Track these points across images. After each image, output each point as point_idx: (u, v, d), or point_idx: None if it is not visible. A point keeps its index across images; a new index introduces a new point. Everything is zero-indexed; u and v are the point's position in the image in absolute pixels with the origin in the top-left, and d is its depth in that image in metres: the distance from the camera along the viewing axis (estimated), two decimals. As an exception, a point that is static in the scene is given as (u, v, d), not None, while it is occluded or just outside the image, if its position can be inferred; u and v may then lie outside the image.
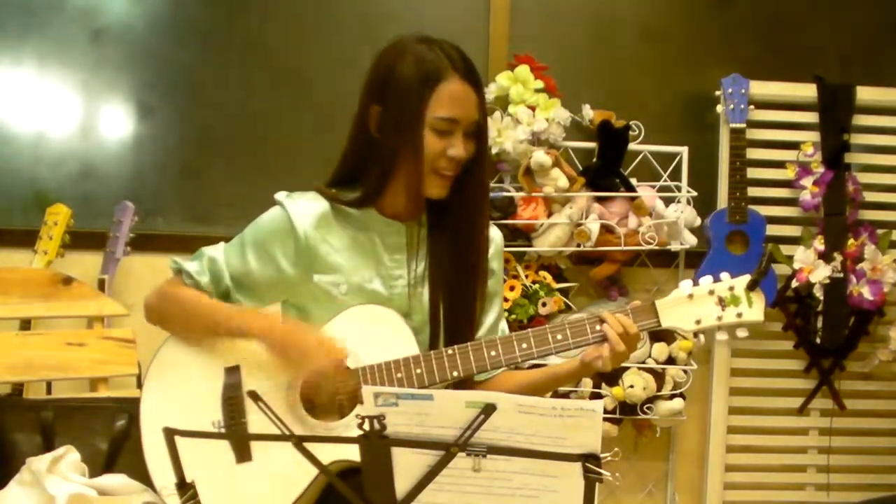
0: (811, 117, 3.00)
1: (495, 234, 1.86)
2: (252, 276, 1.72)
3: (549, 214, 2.82)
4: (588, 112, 2.91)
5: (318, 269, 1.71)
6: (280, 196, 1.75)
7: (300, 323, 1.71)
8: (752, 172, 2.94)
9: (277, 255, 1.71)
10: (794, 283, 2.92)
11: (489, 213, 1.79)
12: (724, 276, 1.68)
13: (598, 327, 1.65)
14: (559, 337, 1.65)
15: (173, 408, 1.66)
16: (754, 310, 1.66)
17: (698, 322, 1.66)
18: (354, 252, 1.73)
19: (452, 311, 1.74)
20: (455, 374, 1.64)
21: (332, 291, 1.71)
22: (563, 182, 2.77)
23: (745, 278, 1.66)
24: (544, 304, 2.80)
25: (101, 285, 2.56)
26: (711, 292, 1.66)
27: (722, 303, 1.66)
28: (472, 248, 1.74)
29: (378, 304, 1.70)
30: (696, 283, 1.68)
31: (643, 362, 2.84)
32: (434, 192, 1.69)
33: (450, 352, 1.65)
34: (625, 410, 2.86)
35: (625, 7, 3.07)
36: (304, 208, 1.72)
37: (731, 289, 1.66)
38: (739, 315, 1.66)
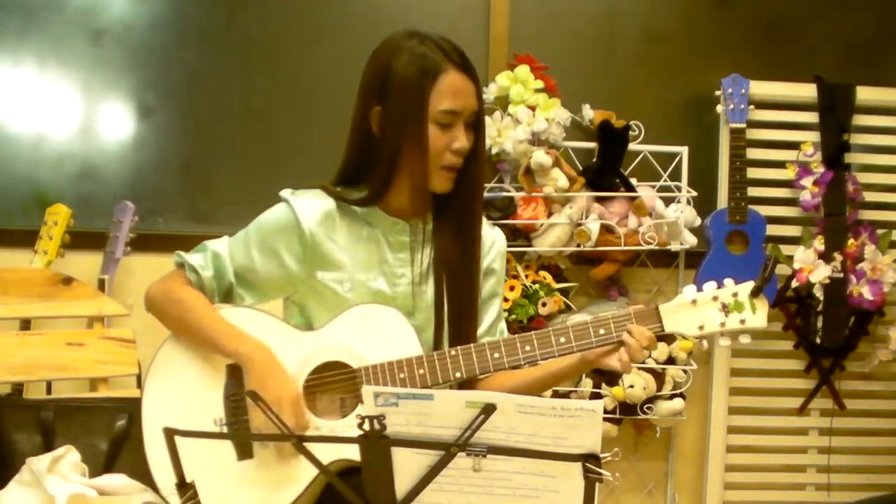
0: (811, 117, 3.00)
1: (497, 235, 1.86)
2: (256, 271, 1.73)
3: (549, 214, 2.82)
4: (588, 112, 2.91)
5: (323, 266, 1.71)
6: (285, 193, 1.74)
7: (280, 368, 1.63)
8: (752, 172, 2.93)
9: (282, 252, 1.71)
10: (794, 283, 2.92)
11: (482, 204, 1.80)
12: (728, 282, 1.66)
13: (601, 331, 1.64)
14: (562, 340, 1.65)
15: (175, 406, 1.66)
16: (758, 316, 1.65)
17: (701, 328, 1.65)
18: (359, 250, 1.73)
19: (456, 307, 1.74)
20: (458, 374, 1.64)
21: (335, 289, 1.71)
22: (563, 182, 2.77)
23: (749, 284, 1.65)
24: (544, 305, 2.80)
25: (101, 285, 2.56)
26: (715, 298, 1.66)
27: (725, 309, 1.65)
28: (473, 239, 1.75)
29: (382, 303, 1.69)
30: (698, 287, 1.67)
31: (643, 362, 2.84)
32: (440, 186, 1.69)
33: (453, 353, 1.65)
34: (625, 410, 2.86)
35: (625, 7, 3.07)
36: (309, 205, 1.72)
37: (735, 295, 1.65)
38: (743, 321, 1.65)
